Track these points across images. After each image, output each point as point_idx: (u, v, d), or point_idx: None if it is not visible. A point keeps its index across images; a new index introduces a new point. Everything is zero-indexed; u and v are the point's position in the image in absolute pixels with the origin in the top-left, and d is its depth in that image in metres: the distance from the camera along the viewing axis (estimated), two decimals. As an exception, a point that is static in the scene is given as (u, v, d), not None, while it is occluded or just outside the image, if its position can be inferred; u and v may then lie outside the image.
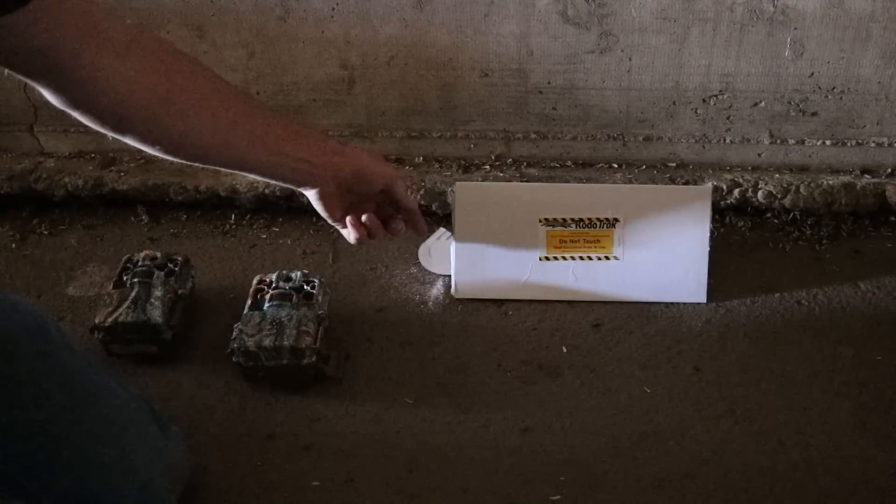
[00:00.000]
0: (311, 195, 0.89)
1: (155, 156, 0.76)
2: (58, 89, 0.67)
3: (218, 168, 0.82)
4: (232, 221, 1.27)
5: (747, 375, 1.02)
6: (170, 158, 0.76)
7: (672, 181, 1.21)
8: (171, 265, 1.09)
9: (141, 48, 0.69)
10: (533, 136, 1.25)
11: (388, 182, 0.92)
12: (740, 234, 1.23)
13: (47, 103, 0.69)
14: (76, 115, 0.69)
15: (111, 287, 1.06)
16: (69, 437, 0.74)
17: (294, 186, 0.88)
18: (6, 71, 0.65)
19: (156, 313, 1.02)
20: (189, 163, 0.79)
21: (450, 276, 1.13)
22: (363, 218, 0.94)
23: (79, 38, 0.64)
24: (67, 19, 0.64)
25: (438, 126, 1.25)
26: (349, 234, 0.94)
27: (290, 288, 1.04)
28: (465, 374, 1.03)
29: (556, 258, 1.11)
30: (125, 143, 0.73)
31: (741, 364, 1.03)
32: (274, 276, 1.06)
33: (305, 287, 1.05)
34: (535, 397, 1.00)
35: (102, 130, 0.71)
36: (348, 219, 0.93)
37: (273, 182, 0.87)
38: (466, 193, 1.10)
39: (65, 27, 0.63)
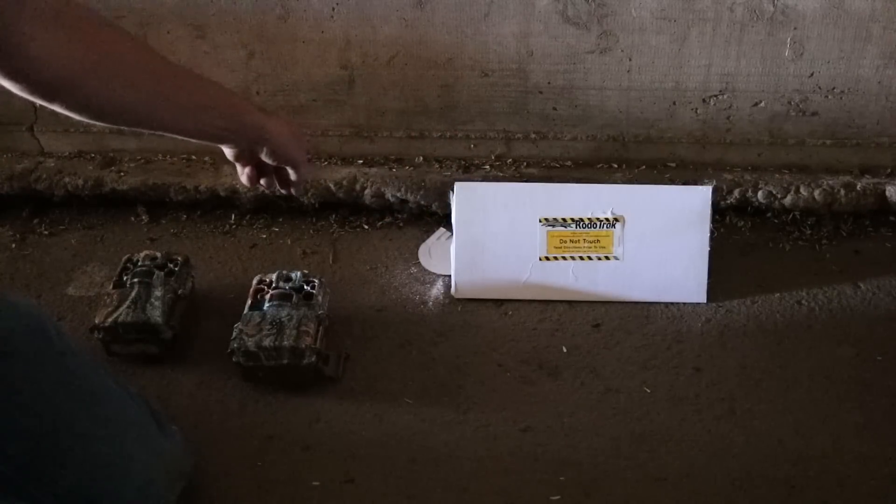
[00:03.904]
0: (222, 146, 0.92)
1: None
2: None
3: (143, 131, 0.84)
4: (232, 221, 1.27)
5: (747, 375, 1.02)
6: (98, 123, 0.78)
7: (672, 181, 1.21)
8: (171, 265, 1.09)
9: (68, 18, 0.70)
10: (533, 135, 1.25)
11: (295, 165, 0.94)
12: (740, 234, 1.23)
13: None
14: (7, 84, 0.70)
15: (111, 287, 1.06)
16: (69, 438, 0.74)
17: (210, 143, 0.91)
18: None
19: (156, 313, 1.02)
20: (119, 127, 0.80)
21: (450, 276, 1.13)
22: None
23: (12, 8, 0.65)
24: None
25: (438, 126, 1.25)
26: (243, 177, 0.96)
27: (290, 288, 1.04)
28: (465, 374, 1.03)
29: (556, 258, 1.11)
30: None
31: (741, 364, 1.03)
32: (274, 276, 1.06)
33: (305, 287, 1.05)
34: (535, 397, 1.00)
35: (31, 98, 0.72)
36: (247, 169, 0.94)
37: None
38: (466, 193, 1.10)
39: None
